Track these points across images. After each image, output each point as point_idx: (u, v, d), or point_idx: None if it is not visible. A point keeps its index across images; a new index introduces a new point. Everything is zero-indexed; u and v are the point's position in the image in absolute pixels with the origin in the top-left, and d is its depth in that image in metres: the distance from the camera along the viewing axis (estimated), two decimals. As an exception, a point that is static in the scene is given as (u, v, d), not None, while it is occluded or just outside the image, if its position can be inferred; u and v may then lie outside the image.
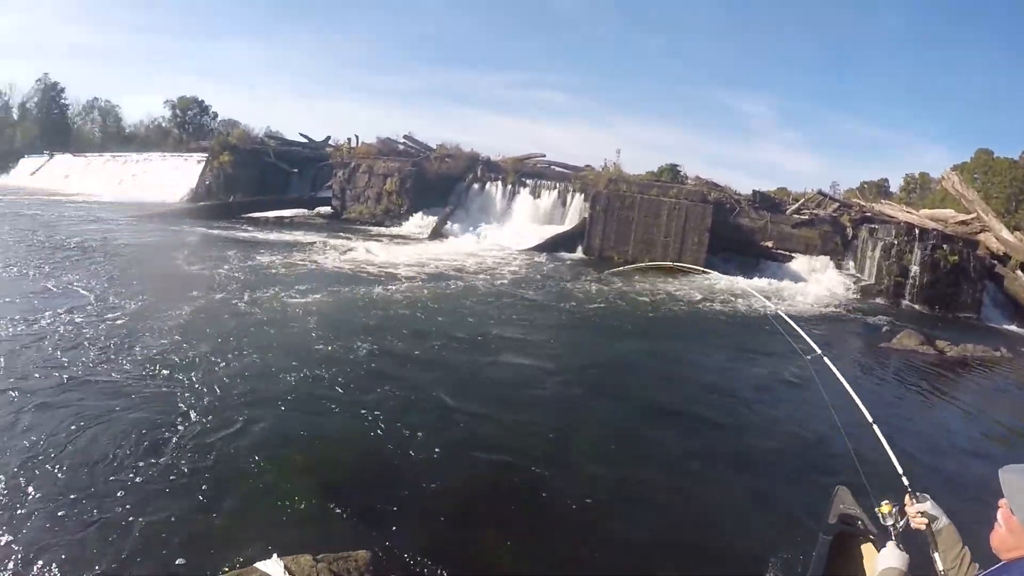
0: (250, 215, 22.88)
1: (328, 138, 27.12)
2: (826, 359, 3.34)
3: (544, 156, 21.06)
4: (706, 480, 5.27)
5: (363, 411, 5.67)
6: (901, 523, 2.25)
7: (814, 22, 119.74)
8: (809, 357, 3.47)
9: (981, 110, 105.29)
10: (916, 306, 18.14)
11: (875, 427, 2.78)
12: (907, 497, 2.32)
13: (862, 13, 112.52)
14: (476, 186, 21.14)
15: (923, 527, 2.19)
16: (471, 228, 20.32)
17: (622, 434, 6.02)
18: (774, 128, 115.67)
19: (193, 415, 5.20)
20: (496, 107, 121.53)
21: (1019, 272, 19.24)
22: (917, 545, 2.21)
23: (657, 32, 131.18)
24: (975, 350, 13.76)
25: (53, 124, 51.30)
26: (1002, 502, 1.78)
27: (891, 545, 2.20)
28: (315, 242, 17.11)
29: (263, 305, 9.40)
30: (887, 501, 2.32)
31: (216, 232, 18.36)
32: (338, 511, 4.07)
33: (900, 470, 2.53)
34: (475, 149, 21.74)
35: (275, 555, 3.06)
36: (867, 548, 3.04)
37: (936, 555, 2.17)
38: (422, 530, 3.95)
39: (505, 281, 13.77)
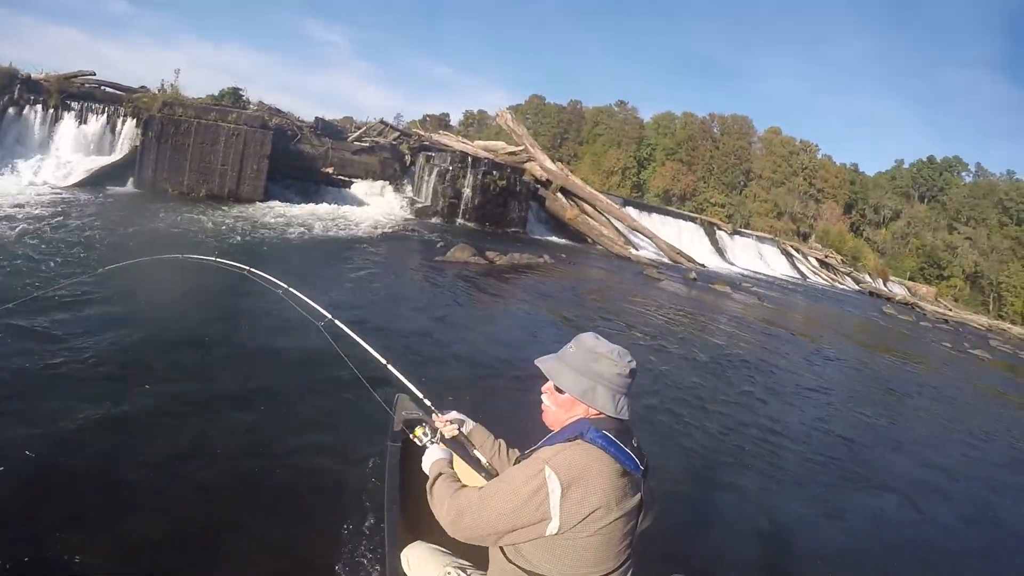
0: None
1: None
2: (338, 322, 3.29)
3: (94, 74, 19.33)
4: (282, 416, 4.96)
5: None
6: (437, 437, 2.51)
7: None
8: (322, 323, 3.35)
9: (540, 61, 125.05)
10: (470, 224, 21.07)
11: (389, 367, 2.94)
12: (434, 415, 2.63)
13: None
14: (12, 110, 18.69)
15: (456, 433, 2.49)
16: (6, 161, 18.03)
17: (200, 391, 5.20)
18: (349, 59, 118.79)
19: None
20: (45, 11, 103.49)
21: (559, 194, 23.52)
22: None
23: None
24: (522, 258, 16.39)
25: None
26: (546, 387, 2.03)
27: (435, 447, 2.39)
28: None
29: None
30: (418, 426, 2.60)
31: None
32: None
33: (421, 395, 2.84)
34: (15, 65, 19.10)
35: None
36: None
37: (476, 452, 2.48)
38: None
39: (41, 224, 11.58)
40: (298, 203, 18.25)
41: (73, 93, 18.89)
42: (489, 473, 2.42)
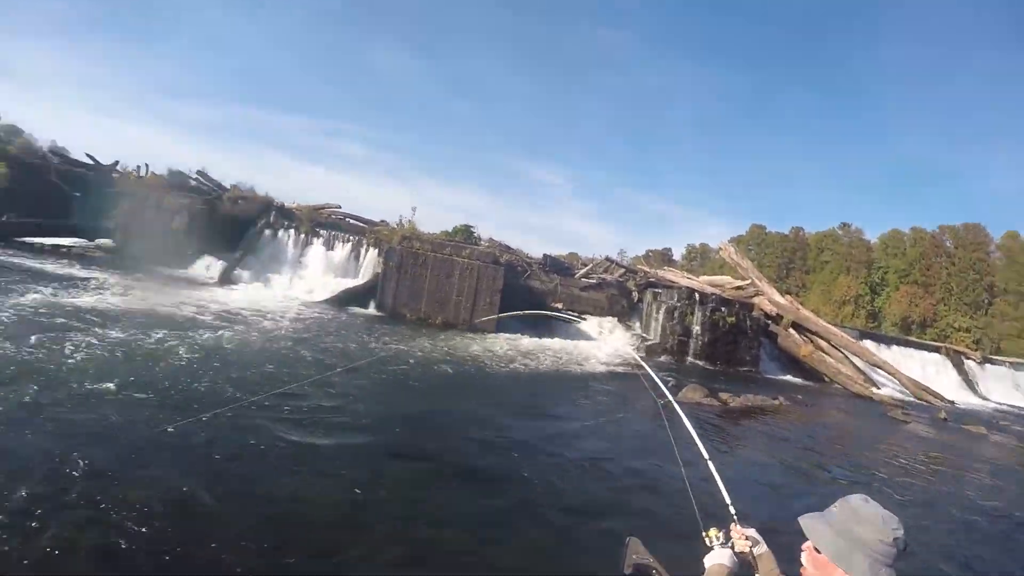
0: (23, 239, 20.64)
1: (116, 163, 24.95)
2: (675, 404, 3.53)
3: (340, 207, 20.74)
4: (509, 537, 5.35)
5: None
6: (729, 544, 2.41)
7: (616, 104, 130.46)
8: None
9: (756, 190, 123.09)
10: (700, 362, 19.69)
11: (710, 463, 2.99)
12: (733, 524, 2.52)
13: (659, 102, 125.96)
14: (268, 232, 20.32)
15: (747, 550, 2.38)
16: (262, 276, 19.46)
17: (422, 495, 5.94)
18: (570, 198, 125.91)
19: None
20: (296, 152, 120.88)
21: (791, 330, 21.48)
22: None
23: (465, 97, 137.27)
24: (755, 400, 15.14)
25: None
26: (806, 545, 1.96)
27: (719, 547, 2.36)
28: (91, 279, 15.66)
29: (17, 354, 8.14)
30: (714, 527, 2.50)
31: None
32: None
33: (728, 500, 2.75)
34: (270, 193, 20.95)
35: None
36: None
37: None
38: None
39: (294, 334, 13.14)
40: (529, 336, 17.85)
41: (321, 222, 20.27)
42: None
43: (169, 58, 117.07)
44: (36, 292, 12.56)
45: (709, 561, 2.32)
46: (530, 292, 18.76)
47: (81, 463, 5.08)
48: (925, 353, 30.15)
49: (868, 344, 25.06)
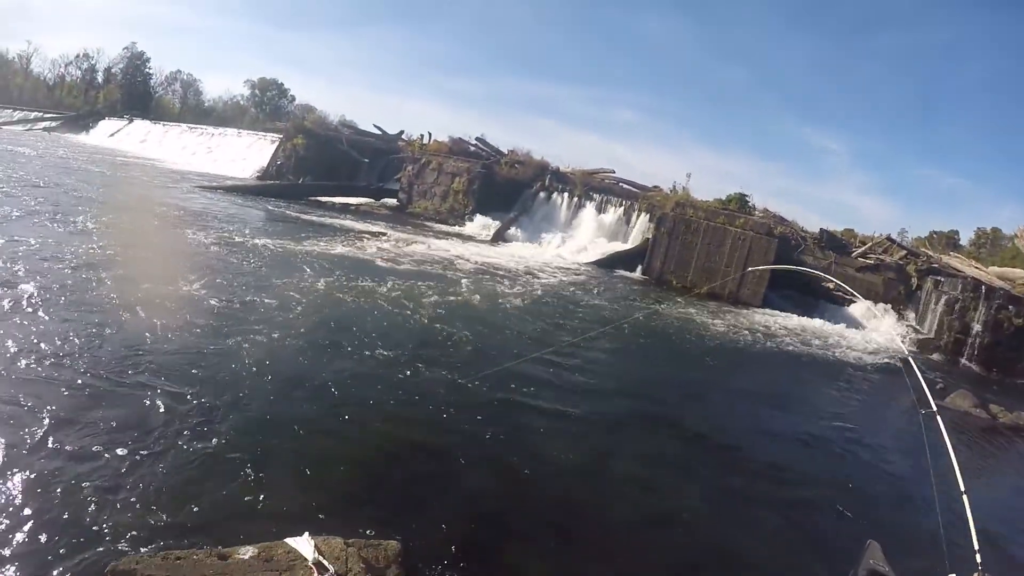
0: (317, 198, 24.63)
1: (401, 132, 28.85)
2: (938, 419, 3.51)
3: (613, 172, 22.28)
4: (747, 518, 5.47)
5: (405, 403, 6.10)
6: None
7: (902, 66, 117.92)
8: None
9: None
10: (974, 366, 18.57)
11: (965, 497, 2.90)
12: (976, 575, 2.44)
13: (948, 60, 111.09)
14: (543, 195, 22.41)
15: None
16: (533, 236, 21.60)
17: (667, 462, 6.30)
18: (848, 169, 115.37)
19: (232, 392, 5.53)
20: (569, 120, 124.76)
21: (1088, 344, 19.49)
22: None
23: (738, 62, 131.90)
24: None
25: (135, 91, 55.82)
26: None
27: None
28: (378, 232, 18.64)
29: (325, 288, 10.29)
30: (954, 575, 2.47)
31: (281, 211, 20.10)
32: (374, 499, 4.38)
33: (977, 546, 2.63)
34: (545, 158, 23.07)
35: (306, 533, 3.09)
36: None
37: None
38: (454, 528, 4.16)
39: (563, 291, 14.93)
40: (795, 314, 17.99)
41: (594, 186, 21.96)
42: None
43: (442, 38, 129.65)
44: (334, 241, 15.27)
45: None
46: (801, 266, 18.89)
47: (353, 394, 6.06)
48: None
49: None
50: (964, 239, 42.04)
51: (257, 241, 13.52)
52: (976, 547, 2.60)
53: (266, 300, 8.83)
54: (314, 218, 19.68)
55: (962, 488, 2.98)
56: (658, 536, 4.87)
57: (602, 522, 4.85)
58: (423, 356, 7.59)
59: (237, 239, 13.40)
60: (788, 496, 6.11)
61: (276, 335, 7.31)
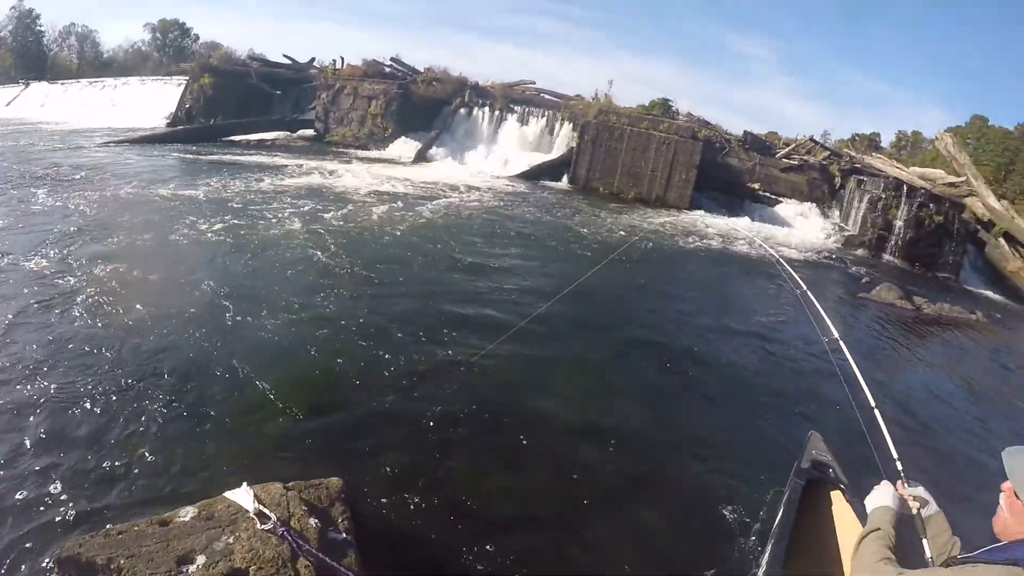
0: (231, 138, 23.26)
1: (312, 60, 27.38)
2: (842, 344, 3.31)
3: (534, 83, 21.61)
4: (684, 415, 5.57)
5: (336, 335, 5.90)
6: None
7: None
8: (824, 338, 3.50)
9: (983, 78, 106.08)
10: (896, 261, 18.95)
11: (876, 412, 2.77)
12: (899, 482, 2.32)
13: None
14: (463, 111, 21.59)
15: (913, 512, 2.19)
16: (456, 154, 20.83)
17: (602, 365, 6.32)
18: (773, 73, 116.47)
19: (160, 342, 5.37)
20: (488, 33, 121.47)
21: (1001, 240, 20.13)
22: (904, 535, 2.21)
23: None
24: (951, 310, 14.39)
25: (28, 53, 51.36)
26: (1005, 486, 1.77)
27: (885, 484, 2.21)
28: (297, 164, 17.54)
29: (237, 231, 9.55)
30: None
31: (195, 156, 18.57)
32: (312, 439, 4.26)
33: (896, 454, 2.51)
34: (464, 74, 22.20)
35: (244, 484, 3.05)
36: (836, 496, 3.17)
37: (925, 541, 2.14)
38: (397, 457, 4.15)
39: (487, 206, 14.41)
40: (722, 215, 17.87)
41: (516, 99, 21.23)
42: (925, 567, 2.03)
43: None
44: (245, 178, 14.20)
45: (871, 504, 2.14)
46: (727, 170, 18.78)
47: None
48: None
49: (1091, 270, 22.97)
50: (885, 142, 43.31)
51: (161, 191, 12.19)
52: (895, 455, 2.53)
53: (182, 249, 8.28)
54: (226, 158, 18.19)
55: (872, 404, 2.89)
56: (597, 440, 4.80)
57: (544, 433, 4.78)
58: (343, 287, 7.33)
59: (144, 191, 12.12)
60: (725, 391, 6.22)
61: (204, 282, 6.91)
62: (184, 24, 55.14)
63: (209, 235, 9.08)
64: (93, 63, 52.26)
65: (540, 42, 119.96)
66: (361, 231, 10.39)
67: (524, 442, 4.58)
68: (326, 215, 11.30)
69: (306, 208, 11.70)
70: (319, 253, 8.66)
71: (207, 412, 4.45)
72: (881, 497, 2.17)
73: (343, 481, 3.30)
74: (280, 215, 10.96)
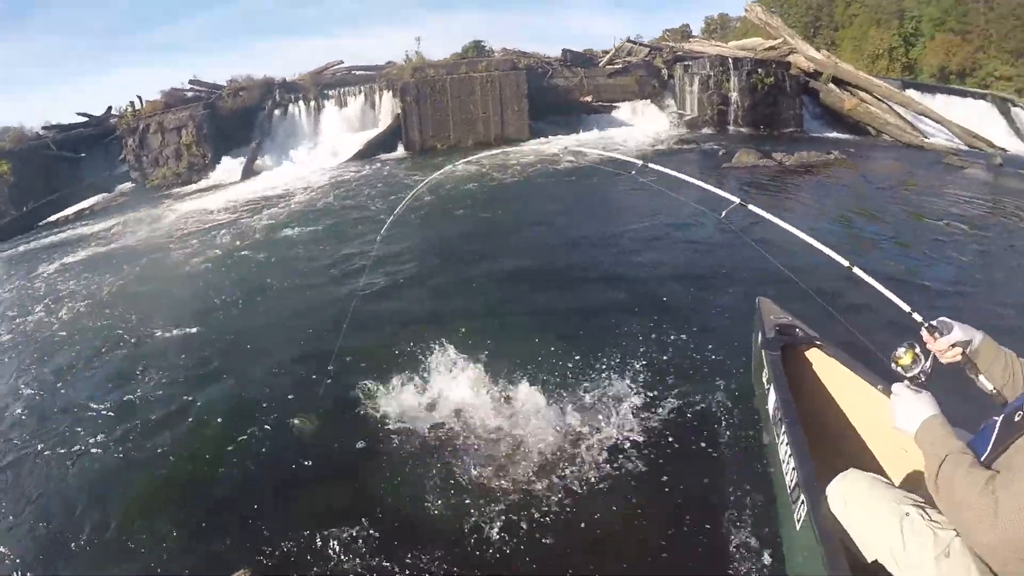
0: (51, 219, 20.91)
1: (109, 108, 25.02)
2: (751, 206, 2.79)
3: (342, 62, 20.52)
4: (616, 335, 5.03)
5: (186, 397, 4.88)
6: (928, 364, 1.88)
7: None
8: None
9: None
10: (743, 129, 19.33)
11: (855, 269, 2.36)
12: (925, 333, 1.97)
13: None
14: (278, 112, 20.20)
15: (958, 359, 1.91)
16: (282, 157, 19.51)
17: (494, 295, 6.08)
18: None
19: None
20: (290, 30, 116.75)
21: (831, 85, 20.86)
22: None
23: None
24: (810, 156, 15.02)
25: None
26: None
27: (905, 391, 1.83)
28: (114, 225, 15.56)
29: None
30: (904, 347, 1.91)
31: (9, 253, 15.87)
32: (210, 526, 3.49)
33: (906, 306, 2.09)
34: (269, 75, 20.77)
35: None
36: (815, 355, 2.97)
37: (981, 378, 1.90)
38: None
39: (325, 199, 13.38)
40: (564, 135, 17.58)
41: (328, 84, 20.09)
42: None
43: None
44: (60, 261, 11.97)
45: (909, 422, 1.76)
46: (556, 91, 18.50)
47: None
48: (970, 100, 29.09)
49: (912, 93, 24.25)
50: (696, 30, 44.97)
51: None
52: (908, 309, 2.11)
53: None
54: (40, 244, 15.81)
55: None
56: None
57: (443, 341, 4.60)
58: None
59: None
60: (648, 296, 5.85)
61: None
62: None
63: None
64: None
65: (344, 24, 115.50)
66: (187, 272, 8.97)
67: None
68: (139, 269, 9.72)
69: (121, 267, 10.05)
70: (148, 311, 7.16)
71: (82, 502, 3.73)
72: (914, 408, 1.77)
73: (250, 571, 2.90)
74: (101, 275, 9.59)
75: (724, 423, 3.67)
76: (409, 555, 2.96)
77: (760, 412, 3.15)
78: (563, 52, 19.36)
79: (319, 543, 3.09)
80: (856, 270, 2.32)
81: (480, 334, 4.99)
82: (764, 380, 2.88)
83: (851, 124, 21.18)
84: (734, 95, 19.18)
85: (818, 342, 2.98)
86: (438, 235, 9.06)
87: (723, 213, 2.80)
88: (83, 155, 24.59)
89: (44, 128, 28.16)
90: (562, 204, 10.78)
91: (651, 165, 3.29)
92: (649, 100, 18.96)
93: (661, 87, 19.23)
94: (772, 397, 2.67)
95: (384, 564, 2.94)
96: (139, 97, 23.34)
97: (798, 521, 2.15)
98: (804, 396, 2.75)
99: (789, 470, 2.29)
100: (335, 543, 3.07)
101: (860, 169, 14.62)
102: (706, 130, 18.71)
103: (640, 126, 18.41)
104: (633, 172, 3.24)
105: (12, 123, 30.62)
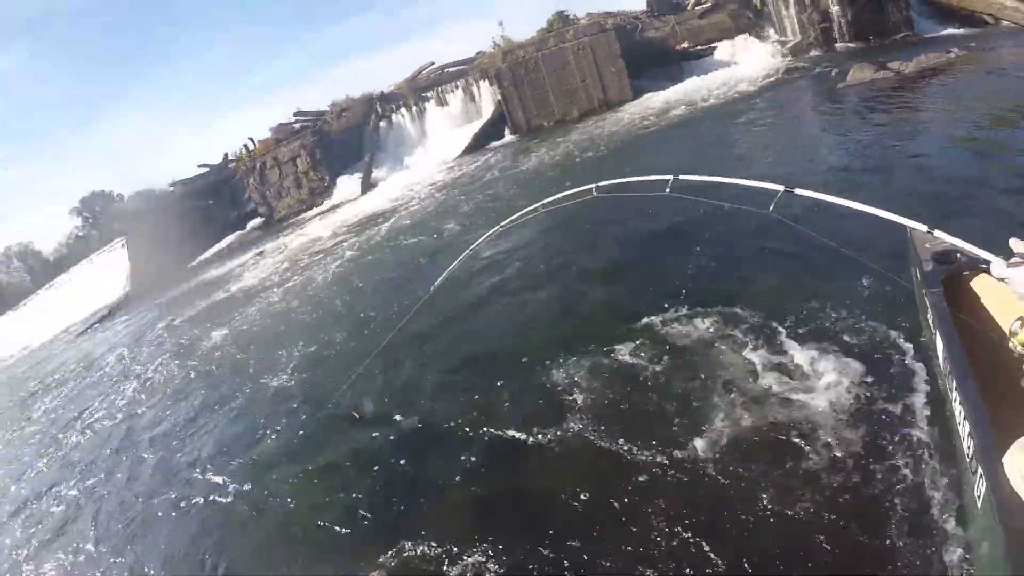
0: (193, 264, 22.91)
1: (226, 155, 27.01)
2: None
3: (433, 63, 21.16)
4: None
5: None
6: None
7: None
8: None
9: None
10: (851, 44, 18.51)
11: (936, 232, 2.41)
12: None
13: None
14: (383, 124, 21.22)
15: None
16: (397, 165, 20.46)
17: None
18: None
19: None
20: (376, 43, 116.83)
21: (936, -24, 19.50)
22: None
23: None
24: (929, 59, 14.02)
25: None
26: None
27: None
28: (245, 260, 17.24)
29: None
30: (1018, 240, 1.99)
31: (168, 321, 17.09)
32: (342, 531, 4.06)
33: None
34: (366, 91, 21.80)
35: None
36: (983, 283, 2.52)
37: None
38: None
39: (444, 198, 14.03)
40: (669, 87, 17.45)
41: (424, 87, 20.84)
42: None
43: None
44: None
45: None
46: (650, 44, 18.35)
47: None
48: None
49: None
50: None
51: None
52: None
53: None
54: (192, 289, 17.47)
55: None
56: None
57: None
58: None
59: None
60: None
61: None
62: (104, 190, 54.48)
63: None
64: (44, 271, 51.87)
65: (422, 26, 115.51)
66: (324, 289, 10.21)
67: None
68: (280, 297, 11.01)
69: (258, 296, 11.68)
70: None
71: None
72: None
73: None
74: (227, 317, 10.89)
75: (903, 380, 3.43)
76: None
77: (930, 361, 2.80)
78: (648, 3, 19.18)
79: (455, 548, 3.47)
80: (937, 232, 2.39)
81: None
82: (930, 323, 2.50)
83: (965, 16, 19.73)
84: (834, 8, 18.35)
85: (984, 264, 2.45)
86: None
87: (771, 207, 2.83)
88: (211, 201, 26.59)
89: (171, 184, 30.77)
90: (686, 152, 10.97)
91: (682, 177, 3.31)
92: (747, 34, 18.47)
93: (756, 17, 18.69)
94: (939, 345, 2.31)
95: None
96: (251, 139, 25.02)
97: (978, 498, 1.84)
98: (976, 336, 2.32)
99: (965, 435, 1.95)
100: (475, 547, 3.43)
101: (988, 63, 13.64)
102: (813, 52, 18.03)
103: (743, 64, 17.95)
104: (667, 191, 3.27)
105: (141, 186, 33.70)
